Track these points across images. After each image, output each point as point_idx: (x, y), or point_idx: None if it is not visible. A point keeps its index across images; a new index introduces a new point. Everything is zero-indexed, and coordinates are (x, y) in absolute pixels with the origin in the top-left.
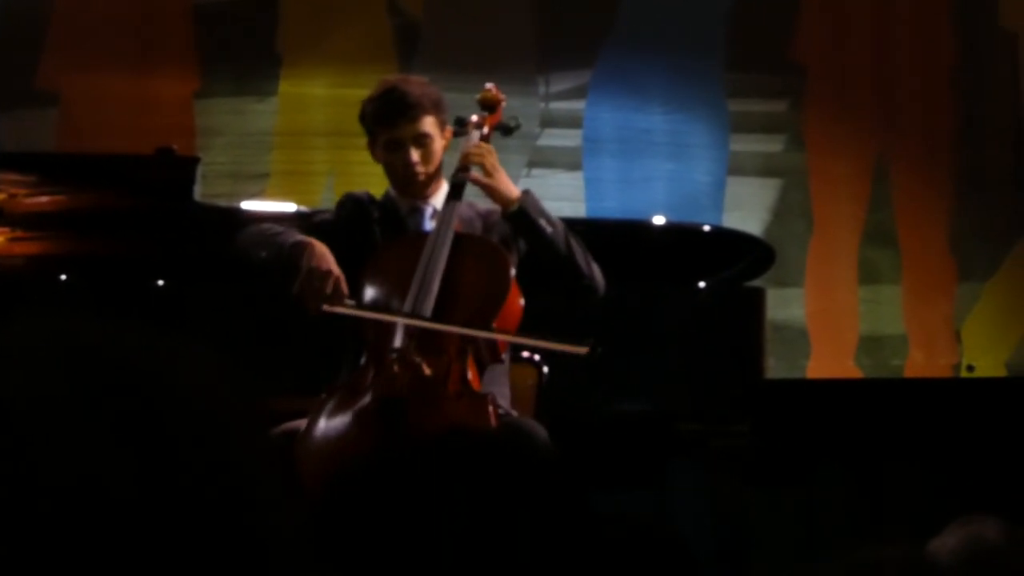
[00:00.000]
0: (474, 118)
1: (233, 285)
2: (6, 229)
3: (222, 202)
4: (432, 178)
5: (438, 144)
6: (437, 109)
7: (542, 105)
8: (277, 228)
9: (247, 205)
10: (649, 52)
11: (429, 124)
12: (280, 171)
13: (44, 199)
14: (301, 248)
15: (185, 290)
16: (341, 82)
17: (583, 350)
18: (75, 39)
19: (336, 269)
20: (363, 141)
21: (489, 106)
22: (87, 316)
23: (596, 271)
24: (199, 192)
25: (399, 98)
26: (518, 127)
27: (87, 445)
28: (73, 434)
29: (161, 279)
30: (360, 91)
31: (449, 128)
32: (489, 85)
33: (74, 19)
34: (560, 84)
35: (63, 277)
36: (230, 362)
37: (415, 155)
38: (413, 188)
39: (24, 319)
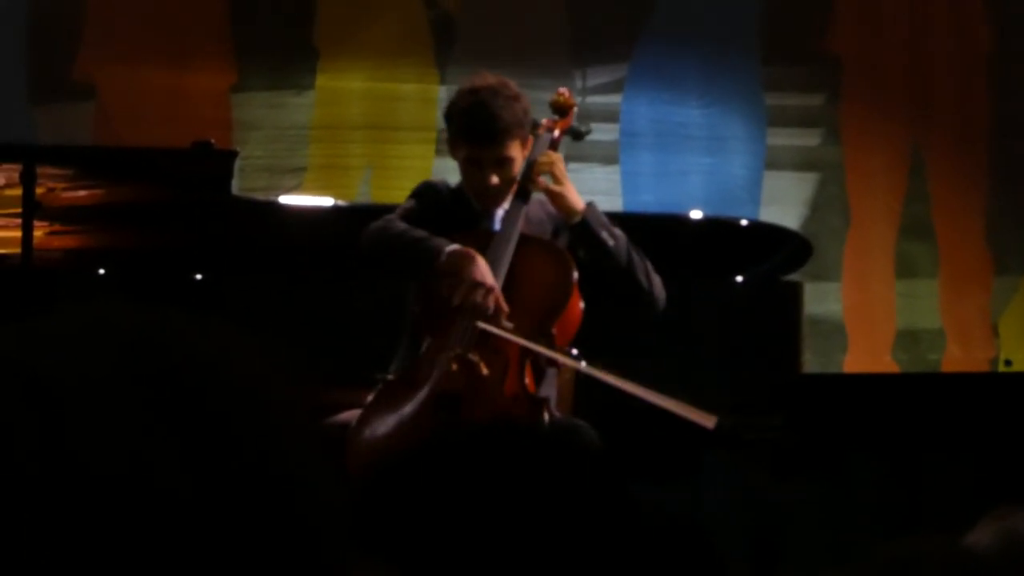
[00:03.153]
0: (544, 121)
1: (271, 278)
2: (44, 223)
3: (259, 196)
4: (507, 190)
5: (519, 161)
6: (523, 128)
7: (579, 99)
8: (418, 232)
9: (284, 199)
10: (685, 46)
11: (514, 148)
12: (317, 165)
13: (82, 192)
14: (462, 258)
15: (223, 284)
16: (378, 76)
17: (709, 423)
18: (112, 32)
19: (497, 286)
20: (399, 135)
21: (561, 110)
22: (133, 304)
23: (657, 285)
24: (236, 186)
25: (487, 121)
26: (589, 132)
27: (135, 431)
28: (121, 420)
29: (199, 273)
30: (397, 85)
31: (531, 138)
32: (562, 89)
33: (111, 12)
34: (596, 78)
35: (101, 271)
36: (272, 354)
37: (495, 178)
38: (487, 202)
39: (71, 306)
